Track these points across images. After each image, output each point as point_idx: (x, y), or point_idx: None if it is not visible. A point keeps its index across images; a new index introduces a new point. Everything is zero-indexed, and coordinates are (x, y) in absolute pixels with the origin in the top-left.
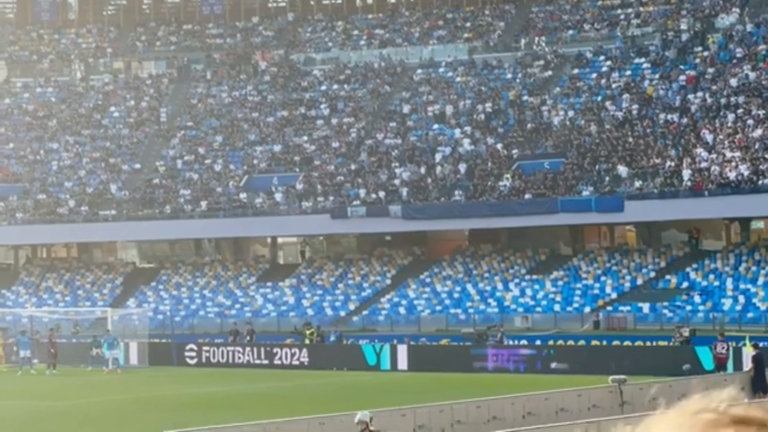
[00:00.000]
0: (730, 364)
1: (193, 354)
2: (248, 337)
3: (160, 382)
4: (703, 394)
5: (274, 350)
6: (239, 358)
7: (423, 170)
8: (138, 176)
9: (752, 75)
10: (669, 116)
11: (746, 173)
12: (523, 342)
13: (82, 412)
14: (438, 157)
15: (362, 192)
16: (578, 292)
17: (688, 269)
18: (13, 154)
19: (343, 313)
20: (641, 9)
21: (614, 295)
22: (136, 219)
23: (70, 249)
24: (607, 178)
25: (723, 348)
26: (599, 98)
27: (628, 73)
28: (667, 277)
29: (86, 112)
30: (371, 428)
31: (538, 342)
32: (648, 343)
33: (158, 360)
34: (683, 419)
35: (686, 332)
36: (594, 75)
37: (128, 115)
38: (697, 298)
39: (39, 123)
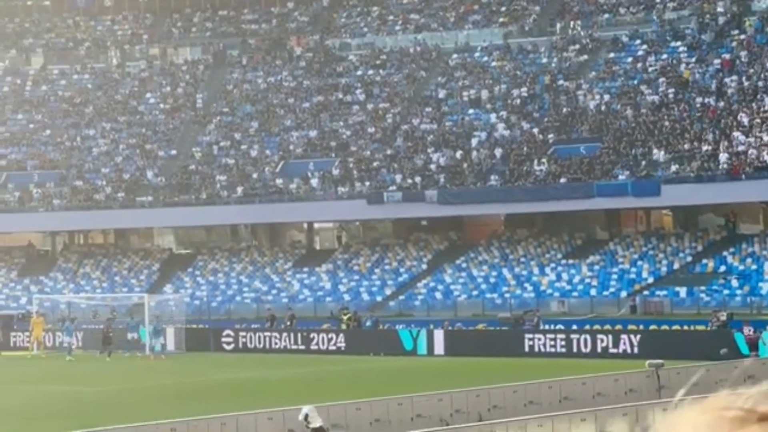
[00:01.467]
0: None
1: (230, 339)
2: (288, 323)
3: (197, 367)
4: (732, 390)
5: (311, 335)
6: (276, 343)
7: (459, 155)
8: (174, 162)
9: None
10: (705, 100)
11: None
12: (560, 327)
13: (118, 398)
14: (474, 141)
15: (398, 177)
16: (615, 276)
17: (725, 253)
18: (50, 140)
19: (379, 299)
20: None
21: (651, 280)
22: (173, 205)
23: (107, 235)
24: (643, 162)
25: (750, 330)
26: (635, 82)
27: (665, 56)
28: (704, 261)
29: (122, 98)
30: (310, 425)
31: (574, 326)
32: (685, 328)
33: (195, 346)
34: (708, 416)
35: (723, 316)
36: (630, 59)
37: (164, 101)
38: (734, 282)
39: (75, 110)
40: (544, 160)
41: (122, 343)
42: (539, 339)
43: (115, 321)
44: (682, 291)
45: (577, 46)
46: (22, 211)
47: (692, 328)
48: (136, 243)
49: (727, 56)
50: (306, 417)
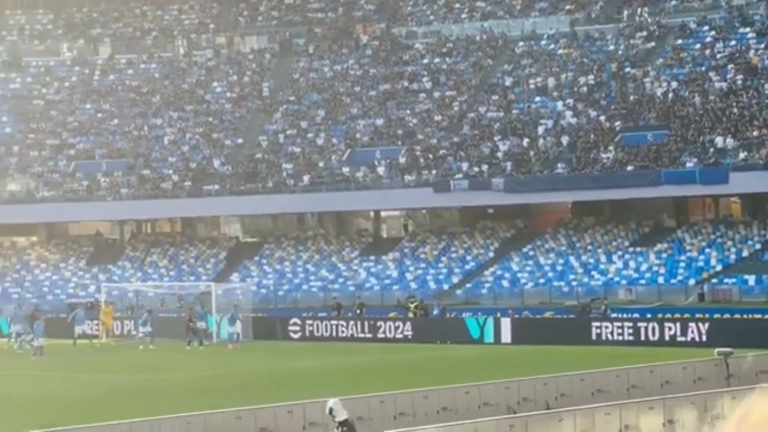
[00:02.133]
0: None
1: (297, 328)
2: (358, 311)
3: (265, 356)
4: None
5: (378, 324)
6: (343, 332)
7: (525, 143)
8: (241, 151)
9: None
10: None
11: None
12: (627, 315)
13: (184, 386)
14: (540, 129)
15: (465, 165)
16: (682, 264)
17: None
18: (118, 130)
19: (446, 287)
20: None
21: (719, 267)
22: (239, 194)
23: (174, 224)
24: (711, 150)
25: None
26: (703, 69)
27: (733, 43)
28: None
29: (189, 87)
30: (336, 419)
31: (641, 314)
32: (754, 316)
33: (262, 334)
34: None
35: None
36: (698, 45)
37: (231, 90)
38: None
39: (143, 99)
40: (611, 147)
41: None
42: (606, 327)
43: (192, 310)
44: (751, 279)
45: (645, 33)
46: (90, 200)
47: (761, 316)
48: (203, 231)
49: None
50: (331, 411)
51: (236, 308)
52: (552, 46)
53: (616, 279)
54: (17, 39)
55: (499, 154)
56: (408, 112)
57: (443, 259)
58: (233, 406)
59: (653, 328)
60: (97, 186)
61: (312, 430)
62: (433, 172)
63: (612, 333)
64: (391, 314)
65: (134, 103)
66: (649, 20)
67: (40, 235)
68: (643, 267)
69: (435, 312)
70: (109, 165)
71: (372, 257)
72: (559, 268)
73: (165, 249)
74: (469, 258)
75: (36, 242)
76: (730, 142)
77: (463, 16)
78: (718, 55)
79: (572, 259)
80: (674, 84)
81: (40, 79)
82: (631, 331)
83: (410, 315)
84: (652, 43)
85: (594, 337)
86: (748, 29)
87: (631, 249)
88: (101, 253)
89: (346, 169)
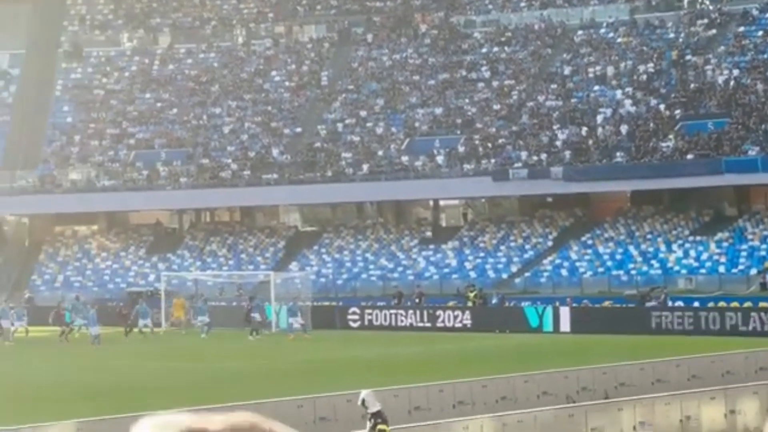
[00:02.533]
0: None
1: (356, 317)
2: (417, 300)
3: (324, 345)
4: None
5: (437, 313)
6: (402, 320)
7: (584, 132)
8: (299, 140)
9: None
10: None
11: None
12: (687, 304)
13: (245, 375)
14: (599, 118)
15: (524, 154)
16: (744, 253)
17: None
18: (177, 119)
19: (505, 276)
20: None
21: None
22: (298, 183)
23: (233, 213)
24: None
25: None
26: (765, 56)
27: None
28: None
29: (248, 76)
30: (368, 410)
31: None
32: None
33: (321, 323)
34: None
35: None
36: (760, 32)
37: (289, 79)
38: None
39: (202, 88)
40: (671, 136)
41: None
42: (666, 316)
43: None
44: None
45: (706, 21)
46: (149, 189)
47: None
48: (262, 221)
49: None
50: (363, 402)
51: (296, 299)
52: (611, 34)
53: (676, 268)
54: (78, 29)
55: (558, 143)
56: (467, 101)
57: (502, 248)
58: (293, 395)
59: (714, 318)
60: (157, 175)
61: None
62: (492, 161)
63: (672, 322)
64: (450, 303)
65: (193, 92)
66: (710, 7)
67: (101, 224)
68: (704, 256)
69: (494, 301)
70: (169, 154)
71: (431, 246)
72: (618, 257)
73: (224, 238)
74: (528, 247)
75: (97, 231)
76: None
77: (522, 4)
78: None
79: (631, 248)
80: (736, 72)
81: (100, 69)
82: (691, 320)
83: (469, 304)
84: (714, 31)
85: (653, 326)
86: None
87: (691, 238)
88: (161, 242)
89: (405, 158)
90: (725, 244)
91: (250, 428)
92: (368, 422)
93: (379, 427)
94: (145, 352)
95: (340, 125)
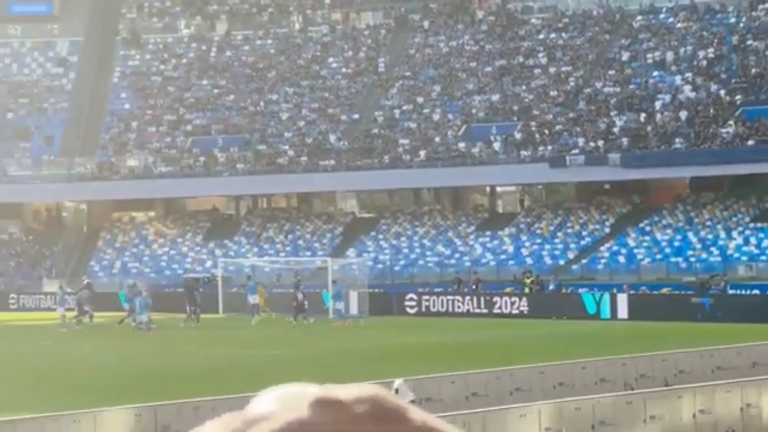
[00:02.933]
0: None
1: (413, 303)
2: (474, 287)
3: (380, 331)
4: None
5: (494, 299)
6: (459, 307)
7: (642, 118)
8: (357, 126)
9: None
10: None
11: None
12: (748, 291)
13: (300, 361)
14: (658, 104)
15: (581, 140)
16: None
17: None
18: (234, 105)
19: (562, 262)
20: None
21: None
22: (355, 169)
23: (290, 199)
24: None
25: None
26: None
27: None
28: None
29: (305, 63)
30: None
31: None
32: None
33: (378, 309)
34: None
35: None
36: None
37: (346, 65)
38: None
39: (259, 75)
40: (731, 122)
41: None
42: (726, 303)
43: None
44: None
45: (767, 5)
46: (206, 176)
47: None
48: (319, 207)
49: None
50: (396, 392)
51: (336, 284)
52: (671, 19)
53: (736, 255)
54: (136, 16)
55: (616, 130)
56: (524, 87)
57: (559, 234)
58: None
59: None
60: (214, 161)
61: (425, 405)
62: (549, 147)
63: (731, 309)
64: (507, 289)
65: (250, 78)
66: None
67: (158, 211)
68: (765, 243)
69: (551, 287)
70: (226, 140)
71: (488, 232)
72: (676, 243)
73: (281, 224)
74: (585, 233)
75: (154, 217)
76: None
77: None
78: None
79: (690, 234)
80: None
81: (158, 56)
82: (752, 307)
83: (526, 290)
84: None
85: (712, 313)
86: None
87: (751, 225)
88: (218, 228)
89: (462, 145)
90: None
91: (377, 401)
92: None
93: None
94: (202, 337)
95: (397, 112)
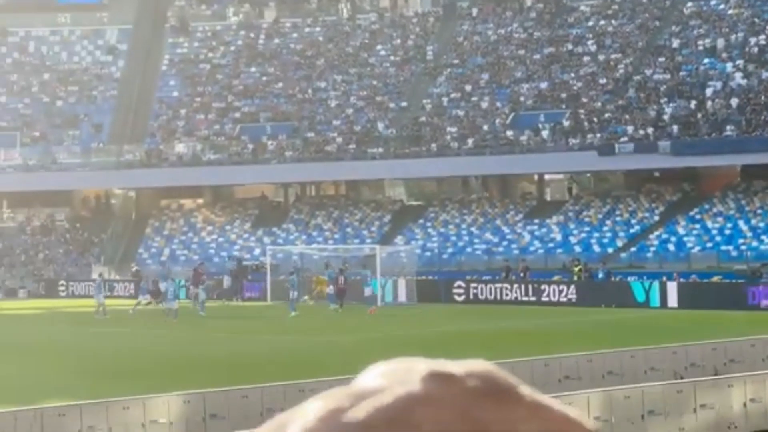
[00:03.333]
0: None
1: (461, 291)
2: (522, 274)
3: (428, 318)
4: None
5: (542, 287)
6: (507, 294)
7: (693, 105)
8: (405, 114)
9: None
10: None
11: None
12: None
13: (347, 348)
14: (709, 91)
15: (630, 128)
16: None
17: None
18: (282, 93)
19: (610, 250)
20: None
21: None
22: (404, 157)
23: (338, 187)
24: None
25: None
26: None
27: None
28: None
29: (353, 50)
30: None
31: None
32: None
33: (426, 297)
34: None
35: None
36: None
37: (394, 53)
38: None
39: (307, 62)
40: None
41: (353, 294)
42: None
43: (347, 272)
44: None
45: None
46: (255, 163)
47: None
48: (367, 194)
49: None
50: None
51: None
52: (722, 6)
53: None
54: (185, 4)
55: (666, 117)
56: (572, 75)
57: (608, 222)
58: None
59: None
60: (262, 149)
61: None
62: (598, 135)
63: None
64: (555, 277)
65: (298, 66)
66: None
67: (207, 198)
68: None
69: (599, 275)
70: (274, 128)
71: (536, 220)
72: (727, 232)
73: (329, 212)
74: (634, 221)
75: (202, 205)
76: None
77: None
78: None
79: (741, 223)
80: None
81: (206, 44)
82: None
83: (574, 278)
84: None
85: (765, 302)
86: None
87: None
88: (266, 215)
89: (510, 133)
90: None
91: (489, 376)
92: None
93: None
94: (251, 325)
95: (445, 99)
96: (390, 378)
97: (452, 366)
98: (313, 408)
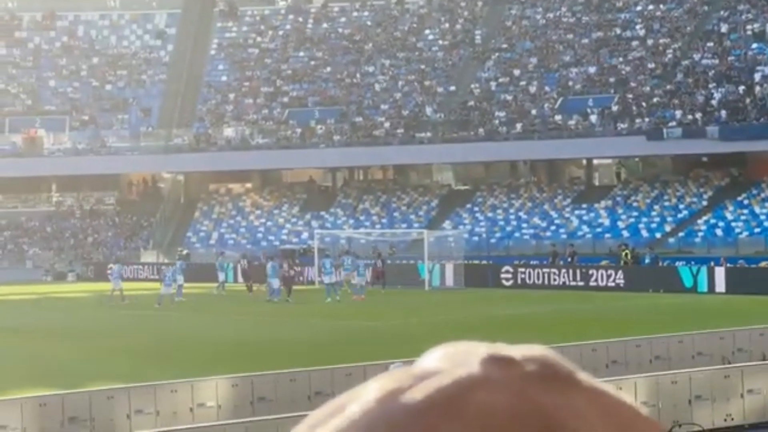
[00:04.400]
0: None
1: (509, 275)
2: (570, 259)
3: (476, 303)
4: None
5: (590, 272)
6: (555, 279)
7: (741, 90)
8: (453, 98)
9: None
10: None
11: None
12: None
13: (395, 332)
14: (757, 76)
15: (678, 113)
16: None
17: None
18: (331, 77)
19: (658, 235)
20: None
21: None
22: (451, 141)
23: (386, 171)
24: None
25: None
26: None
27: None
28: None
29: (401, 35)
30: None
31: None
32: None
33: (474, 281)
34: None
35: None
36: None
37: (443, 37)
38: None
39: (355, 47)
40: None
41: (400, 278)
42: None
43: (393, 256)
44: None
45: None
46: (303, 147)
47: None
48: (415, 179)
49: None
50: None
51: (349, 254)
52: None
53: None
54: None
55: (714, 102)
56: (621, 59)
57: (656, 207)
58: None
59: None
60: (311, 133)
61: None
62: (646, 120)
63: None
64: (603, 262)
65: (347, 50)
66: None
67: (255, 182)
68: None
69: (647, 260)
70: (322, 112)
71: (584, 205)
72: None
73: (377, 196)
74: (681, 206)
75: (251, 189)
76: None
77: None
78: None
79: None
80: None
81: (255, 28)
82: None
83: (622, 263)
84: None
85: None
86: None
87: None
88: (314, 199)
89: (558, 117)
90: None
91: (548, 361)
92: None
93: None
94: (298, 309)
95: (493, 84)
96: (449, 361)
97: (512, 350)
98: (372, 389)
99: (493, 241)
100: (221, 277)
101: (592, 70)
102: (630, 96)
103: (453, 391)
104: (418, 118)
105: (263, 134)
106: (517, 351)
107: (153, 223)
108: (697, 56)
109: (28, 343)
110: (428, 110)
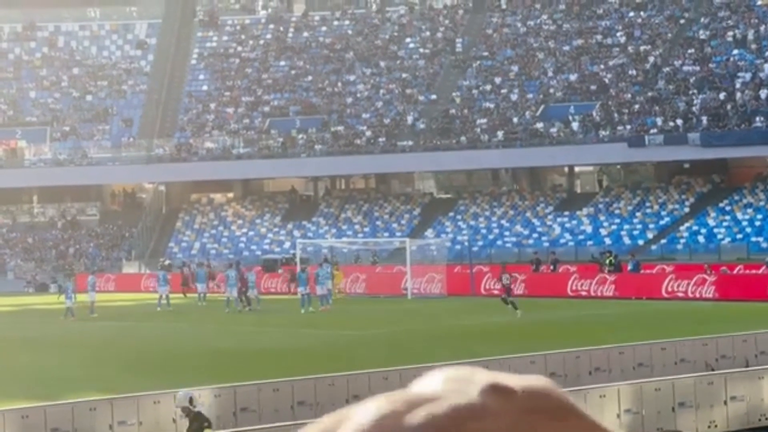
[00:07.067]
0: None
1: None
2: (552, 267)
3: (460, 311)
4: None
5: (572, 278)
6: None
7: (722, 97)
8: (434, 107)
9: None
10: None
11: None
12: None
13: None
14: (738, 83)
15: (659, 120)
16: None
17: None
18: (312, 86)
19: (641, 242)
20: None
21: None
22: (433, 149)
23: (368, 180)
24: None
25: None
26: None
27: None
28: None
29: (382, 43)
30: (193, 409)
31: None
32: None
33: (457, 289)
34: None
35: None
36: None
37: (424, 45)
38: None
39: (336, 55)
40: None
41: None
42: None
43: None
44: None
45: None
46: (285, 157)
47: None
48: (397, 187)
49: None
50: (191, 400)
51: (303, 266)
52: None
53: None
54: None
55: (695, 109)
56: (602, 66)
57: (638, 214)
58: (432, 362)
59: None
60: (292, 142)
61: None
62: (628, 127)
63: None
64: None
65: (328, 59)
66: None
67: (236, 192)
68: None
69: (630, 267)
70: (303, 121)
71: (566, 212)
72: (757, 223)
73: (359, 205)
74: (664, 213)
75: (232, 199)
76: None
77: None
78: None
79: None
80: None
81: (235, 37)
82: None
83: (606, 270)
84: None
85: None
86: None
87: None
88: (296, 209)
89: (539, 125)
90: None
91: (549, 394)
92: (190, 423)
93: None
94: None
95: (475, 92)
96: (449, 387)
97: (513, 380)
98: (369, 409)
99: (475, 249)
100: (200, 288)
101: (573, 77)
102: (611, 103)
103: (448, 420)
104: (399, 127)
105: (245, 144)
106: (518, 381)
107: (135, 233)
108: (678, 63)
109: (10, 354)
110: (410, 119)
